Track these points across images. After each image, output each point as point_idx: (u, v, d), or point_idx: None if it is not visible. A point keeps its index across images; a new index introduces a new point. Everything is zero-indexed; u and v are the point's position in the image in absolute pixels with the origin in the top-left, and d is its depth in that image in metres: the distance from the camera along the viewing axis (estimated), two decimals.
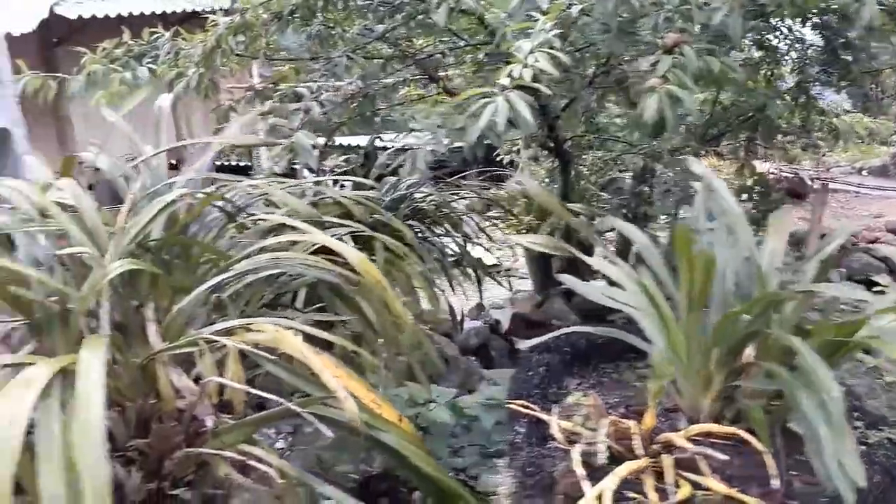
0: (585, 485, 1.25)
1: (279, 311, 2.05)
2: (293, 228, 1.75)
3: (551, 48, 1.81)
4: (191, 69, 3.07)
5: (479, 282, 3.75)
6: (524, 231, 4.36)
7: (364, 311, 1.90)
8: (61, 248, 1.91)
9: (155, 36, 3.32)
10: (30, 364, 1.36)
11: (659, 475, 1.31)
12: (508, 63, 2.93)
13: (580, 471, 1.26)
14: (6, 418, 1.17)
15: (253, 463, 1.42)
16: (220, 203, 1.91)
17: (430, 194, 3.56)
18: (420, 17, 2.78)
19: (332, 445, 1.99)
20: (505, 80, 1.78)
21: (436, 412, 1.87)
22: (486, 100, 1.75)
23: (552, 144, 3.52)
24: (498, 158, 5.56)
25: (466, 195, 4.07)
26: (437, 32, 3.21)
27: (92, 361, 1.23)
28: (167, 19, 9.53)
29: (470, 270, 3.74)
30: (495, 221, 4.46)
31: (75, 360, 1.35)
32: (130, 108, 3.01)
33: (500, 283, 3.89)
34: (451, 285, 3.38)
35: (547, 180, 4.99)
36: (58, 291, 1.63)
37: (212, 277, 1.72)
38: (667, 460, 1.31)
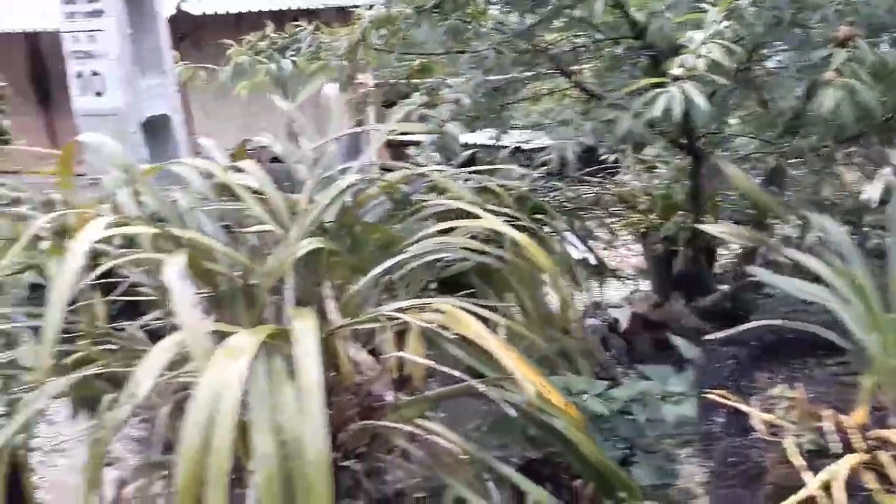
0: (807, 475, 1.23)
1: (426, 294, 2.10)
2: (469, 214, 1.78)
3: (723, 39, 1.79)
4: (333, 62, 3.17)
5: (602, 280, 3.72)
6: (645, 229, 4.29)
7: (521, 297, 1.93)
8: (226, 225, 2.02)
9: (297, 29, 3.44)
10: (230, 333, 1.45)
11: (875, 472, 1.28)
12: (654, 56, 2.91)
13: (799, 461, 1.25)
14: (224, 381, 1.24)
15: (434, 438, 1.46)
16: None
17: (556, 189, 3.56)
18: (566, 10, 2.78)
19: (481, 428, 2.02)
20: (677, 71, 1.77)
21: (589, 403, 1.87)
22: (659, 90, 1.75)
23: (685, 141, 3.45)
24: (601, 157, 5.48)
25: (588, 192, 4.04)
26: (574, 26, 3.20)
27: (306, 332, 1.30)
28: (283, 16, 9.86)
29: (590, 268, 3.71)
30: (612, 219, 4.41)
31: (274, 331, 1.42)
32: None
33: (623, 282, 3.86)
34: (575, 281, 3.37)
35: (662, 180, 4.90)
36: (243, 266, 1.72)
37: (382, 260, 1.78)
38: (884, 456, 1.28)
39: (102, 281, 2.03)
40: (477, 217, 1.81)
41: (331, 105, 2.04)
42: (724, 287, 4.44)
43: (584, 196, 4.23)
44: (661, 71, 2.77)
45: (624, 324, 4.26)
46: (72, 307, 1.98)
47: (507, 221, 2.06)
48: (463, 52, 3.42)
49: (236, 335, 1.37)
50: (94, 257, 2.35)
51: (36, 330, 2.58)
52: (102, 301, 1.90)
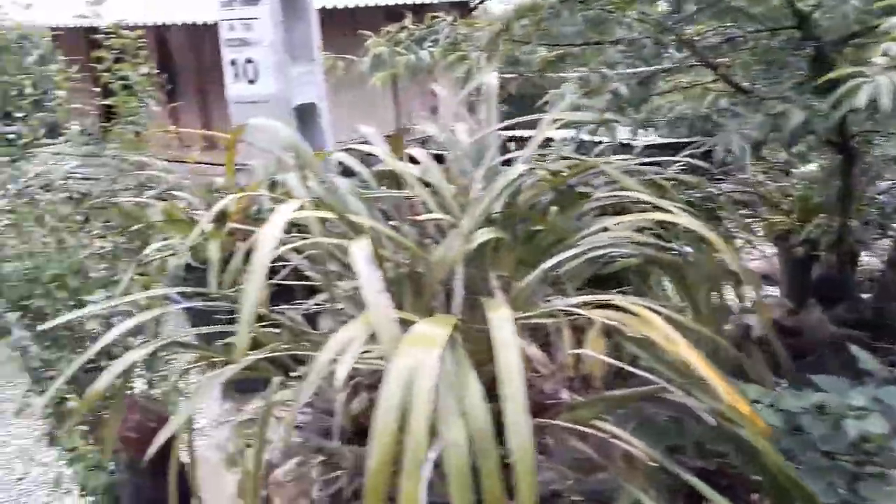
0: None
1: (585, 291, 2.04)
2: (625, 208, 1.71)
3: None
4: (473, 53, 3.14)
5: (738, 283, 3.55)
6: (784, 231, 4.08)
7: (693, 297, 1.84)
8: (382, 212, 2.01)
9: (436, 20, 3.43)
10: (411, 321, 1.43)
11: None
12: (818, 48, 2.74)
13: None
14: (417, 367, 1.22)
15: (616, 442, 1.40)
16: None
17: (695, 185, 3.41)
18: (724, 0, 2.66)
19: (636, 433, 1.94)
20: (880, 60, 1.64)
21: (763, 413, 1.77)
22: (861, 79, 1.62)
23: (838, 138, 3.24)
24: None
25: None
26: (725, 16, 3.06)
27: (504, 322, 1.26)
28: (397, 11, 9.97)
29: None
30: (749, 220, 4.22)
31: (458, 321, 1.39)
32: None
33: (756, 289, 3.67)
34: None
35: (800, 180, 4.65)
36: (411, 253, 1.70)
37: (547, 252, 1.73)
38: None
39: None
40: (647, 210, 1.74)
41: (489, 95, 2.00)
42: (866, 295, 4.19)
43: (716, 196, 4.06)
44: (829, 62, 2.62)
45: (758, 330, 4.07)
46: (233, 289, 2.03)
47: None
48: (600, 42, 3.34)
49: (423, 323, 1.35)
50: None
51: (189, 310, 2.66)
52: (266, 284, 1.92)
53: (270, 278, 2.04)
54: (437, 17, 3.46)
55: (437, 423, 1.25)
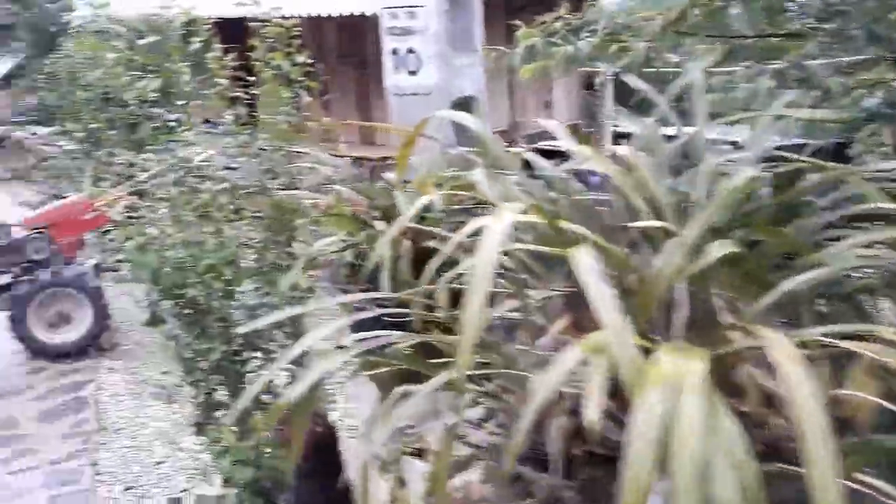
0: None
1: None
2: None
3: None
4: (639, 43, 2.93)
5: None
6: None
7: None
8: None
9: (594, 9, 3.23)
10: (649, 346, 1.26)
11: None
12: None
13: None
14: (678, 411, 1.05)
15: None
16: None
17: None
18: None
19: None
20: None
21: None
22: None
23: None
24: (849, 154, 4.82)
25: None
26: None
27: (789, 352, 1.07)
28: (512, 4, 9.77)
29: None
30: None
31: (707, 356, 1.20)
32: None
33: None
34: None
35: None
36: (620, 265, 1.53)
37: (779, 269, 1.52)
38: None
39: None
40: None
41: (696, 90, 1.80)
42: None
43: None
44: None
45: None
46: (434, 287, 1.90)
47: None
48: (772, 35, 3.06)
49: (670, 354, 1.17)
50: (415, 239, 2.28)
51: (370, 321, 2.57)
52: (448, 289, 1.80)
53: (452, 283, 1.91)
54: (593, 4, 3.25)
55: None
